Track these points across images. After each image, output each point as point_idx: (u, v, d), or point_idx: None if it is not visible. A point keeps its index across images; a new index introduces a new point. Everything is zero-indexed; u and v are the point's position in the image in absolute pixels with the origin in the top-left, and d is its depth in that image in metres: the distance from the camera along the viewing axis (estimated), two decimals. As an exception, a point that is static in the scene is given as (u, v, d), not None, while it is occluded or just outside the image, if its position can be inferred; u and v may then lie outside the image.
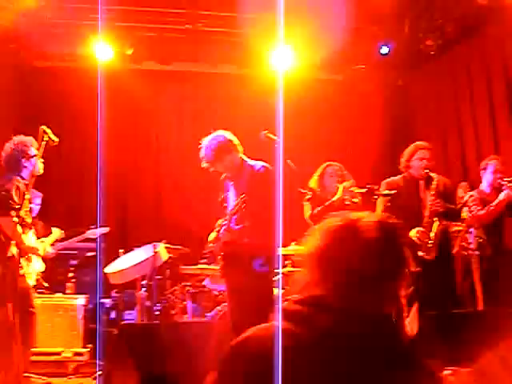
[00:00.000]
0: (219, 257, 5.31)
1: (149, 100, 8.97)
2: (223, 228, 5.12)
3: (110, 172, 8.70)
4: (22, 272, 4.64)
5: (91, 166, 7.69)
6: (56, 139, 4.89)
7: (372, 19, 8.13)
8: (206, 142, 5.24)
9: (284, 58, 8.30)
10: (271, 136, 5.13)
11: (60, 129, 8.18)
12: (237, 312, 5.02)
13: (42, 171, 5.40)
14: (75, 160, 8.63)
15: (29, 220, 4.97)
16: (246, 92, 8.71)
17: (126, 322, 6.92)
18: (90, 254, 7.42)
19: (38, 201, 7.16)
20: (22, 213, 4.19)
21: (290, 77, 8.13)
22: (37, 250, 5.19)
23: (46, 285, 5.74)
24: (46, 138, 4.77)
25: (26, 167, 5.29)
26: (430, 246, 5.52)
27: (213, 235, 5.37)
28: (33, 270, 5.19)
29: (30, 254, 5.08)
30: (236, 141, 5.28)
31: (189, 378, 3.50)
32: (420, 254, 5.53)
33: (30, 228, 4.55)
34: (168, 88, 9.17)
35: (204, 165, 5.27)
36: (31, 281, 5.19)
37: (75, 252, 7.34)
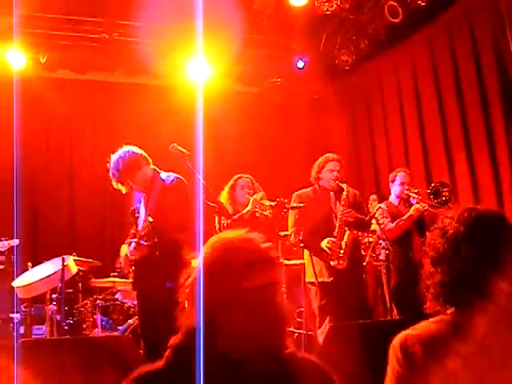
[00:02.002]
0: (130, 271, 5.22)
1: (63, 109, 8.78)
2: (132, 246, 5.03)
3: (22, 182, 8.47)
4: None
5: (2, 177, 7.48)
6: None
7: (288, 33, 8.25)
8: (112, 162, 5.10)
9: (201, 69, 8.30)
10: (181, 149, 5.09)
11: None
12: (146, 326, 4.97)
13: None
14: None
15: None
16: (163, 103, 8.65)
17: (27, 338, 6.70)
18: (-2, 267, 7.20)
19: None
20: None
21: (207, 88, 8.14)
22: None
23: None
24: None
25: None
26: (342, 255, 5.59)
27: (124, 248, 5.27)
28: None
29: None
30: (144, 154, 5.19)
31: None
32: (332, 263, 5.60)
33: None
34: (83, 97, 9.00)
35: (115, 185, 5.15)
36: None
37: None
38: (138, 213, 5.22)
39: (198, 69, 8.29)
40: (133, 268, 5.18)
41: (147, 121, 8.61)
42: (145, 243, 4.91)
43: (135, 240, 4.95)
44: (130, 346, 3.82)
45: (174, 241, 4.74)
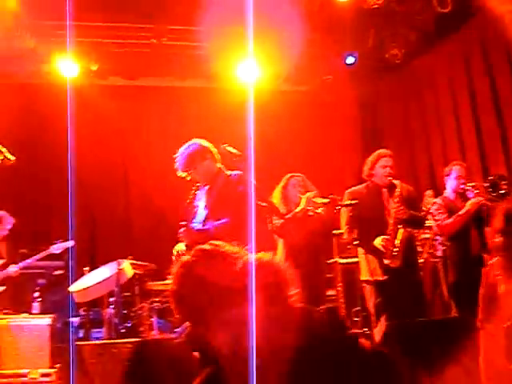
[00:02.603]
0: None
1: (116, 116, 8.92)
2: (183, 229, 5.08)
3: (78, 189, 8.63)
4: None
5: (58, 184, 7.63)
6: (12, 158, 4.82)
7: (336, 30, 8.17)
8: (181, 150, 5.24)
9: (250, 70, 8.30)
10: (231, 149, 5.11)
11: (26, 147, 8.23)
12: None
13: None
14: (42, 178, 8.53)
15: None
16: (214, 106, 8.69)
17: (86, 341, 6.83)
18: (57, 272, 7.35)
19: (9, 226, 7.11)
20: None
21: (256, 89, 8.13)
22: None
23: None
24: (0, 157, 4.70)
25: None
26: (396, 253, 5.50)
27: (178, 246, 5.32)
28: None
29: None
30: (213, 148, 5.26)
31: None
32: (386, 261, 5.52)
33: None
34: (134, 103, 9.12)
35: (179, 173, 5.25)
36: None
37: (42, 271, 7.25)
38: (196, 206, 5.27)
39: (248, 70, 8.28)
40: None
41: (199, 123, 8.66)
42: (197, 228, 4.96)
43: (185, 223, 5.00)
44: (183, 348, 3.83)
45: (225, 232, 4.74)
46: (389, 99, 8.99)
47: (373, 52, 8.50)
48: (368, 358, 1.78)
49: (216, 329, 1.79)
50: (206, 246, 1.94)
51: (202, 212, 5.19)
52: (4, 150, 4.74)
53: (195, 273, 1.84)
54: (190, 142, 5.30)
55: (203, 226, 5.06)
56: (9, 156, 4.79)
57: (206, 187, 5.30)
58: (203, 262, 1.87)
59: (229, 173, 5.20)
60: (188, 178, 5.31)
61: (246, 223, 4.92)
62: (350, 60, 8.62)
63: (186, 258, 1.94)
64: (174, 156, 5.31)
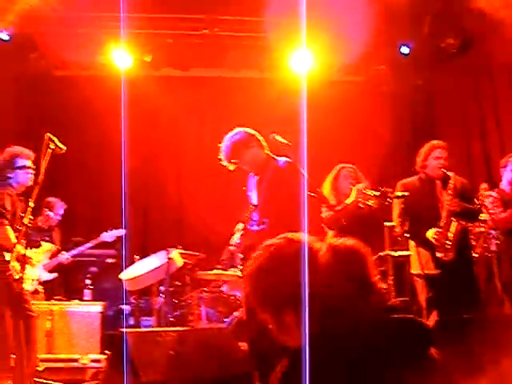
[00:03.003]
0: (239, 260, 5.27)
1: (168, 106, 8.98)
2: (241, 231, 5.08)
3: (131, 178, 8.72)
4: (17, 277, 4.63)
5: (111, 173, 7.73)
6: (63, 147, 4.88)
7: (391, 19, 8.01)
8: (225, 139, 5.21)
9: (304, 60, 8.23)
10: (280, 139, 5.06)
11: (80, 137, 8.37)
12: (250, 319, 4.97)
13: (30, 182, 5.38)
14: (95, 167, 8.65)
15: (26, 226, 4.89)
16: (266, 96, 8.64)
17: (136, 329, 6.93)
18: (109, 260, 7.45)
19: (61, 211, 7.25)
20: (17, 221, 4.18)
21: (309, 79, 8.05)
22: (28, 258, 5.17)
23: (41, 290, 5.74)
24: (52, 146, 4.76)
25: (11, 178, 5.32)
26: (448, 246, 5.39)
27: (235, 236, 5.32)
28: (30, 275, 5.21)
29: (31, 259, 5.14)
30: (259, 136, 5.20)
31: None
32: (438, 255, 5.41)
33: (28, 236, 4.44)
34: (187, 94, 9.14)
35: (224, 163, 5.21)
36: (28, 286, 5.22)
37: (94, 259, 7.37)
38: (250, 199, 5.24)
39: (302, 60, 8.21)
40: (241, 256, 5.20)
41: (251, 114, 8.61)
42: (255, 228, 4.93)
43: (242, 226, 4.99)
44: (229, 338, 3.82)
45: (282, 226, 4.69)
46: (444, 89, 8.78)
47: (428, 41, 8.33)
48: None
49: (289, 318, 1.76)
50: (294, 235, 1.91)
51: (255, 208, 5.15)
52: (55, 139, 4.80)
53: (284, 258, 1.81)
54: (234, 131, 5.25)
55: (258, 225, 5.02)
56: (60, 145, 4.85)
57: (256, 178, 5.25)
58: (291, 249, 1.84)
59: (278, 159, 5.13)
60: (231, 168, 5.26)
61: (297, 215, 4.91)
62: (405, 50, 8.46)
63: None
64: (219, 145, 5.27)
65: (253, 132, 5.22)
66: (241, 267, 5.31)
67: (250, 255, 5.01)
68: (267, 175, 5.08)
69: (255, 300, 1.84)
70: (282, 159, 5.06)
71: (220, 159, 5.23)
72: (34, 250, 5.29)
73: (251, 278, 1.85)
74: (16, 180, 5.33)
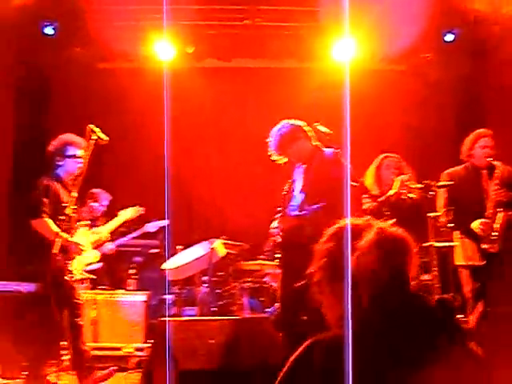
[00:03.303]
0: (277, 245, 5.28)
1: (211, 97, 9.01)
2: (279, 214, 5.08)
3: (175, 170, 8.79)
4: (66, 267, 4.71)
5: (155, 165, 7.78)
6: (105, 137, 4.93)
7: (436, 6, 7.88)
8: (272, 133, 5.22)
9: (346, 50, 8.15)
10: (323, 129, 5.04)
11: (124, 129, 8.46)
12: (287, 308, 4.97)
13: (78, 171, 5.43)
14: (139, 158, 8.72)
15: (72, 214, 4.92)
16: (308, 86, 8.59)
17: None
18: (153, 250, 7.52)
19: (106, 202, 7.34)
20: (61, 211, 4.23)
21: (351, 69, 7.97)
22: (78, 245, 5.26)
23: (92, 277, 5.80)
24: (94, 137, 4.82)
25: (60, 166, 5.40)
26: (494, 238, 5.29)
27: (274, 223, 5.34)
28: (79, 264, 5.29)
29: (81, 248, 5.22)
30: (306, 127, 5.20)
31: (228, 373, 3.46)
32: (484, 246, 5.32)
33: (72, 226, 4.49)
34: (230, 85, 9.15)
35: (274, 157, 5.22)
36: (77, 274, 5.31)
37: (139, 249, 7.45)
38: (294, 187, 5.24)
39: (344, 49, 8.13)
40: (279, 241, 5.20)
41: (294, 104, 8.59)
42: (296, 213, 4.93)
43: (281, 209, 4.99)
44: (270, 327, 3.82)
45: (325, 214, 4.67)
46: (489, 77, 8.58)
47: (474, 28, 8.15)
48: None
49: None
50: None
51: (298, 195, 5.15)
52: (97, 130, 4.85)
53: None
54: (280, 124, 5.26)
55: (300, 211, 5.02)
56: (102, 136, 4.91)
57: (303, 166, 5.25)
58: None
59: (325, 150, 5.12)
60: (282, 162, 5.27)
61: (341, 205, 4.87)
62: (450, 37, 8.31)
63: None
64: (267, 140, 5.28)
65: (299, 123, 5.22)
66: (279, 255, 5.32)
67: (287, 239, 5.05)
68: (313, 165, 5.08)
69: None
70: (329, 150, 5.05)
71: (269, 154, 5.25)
72: (80, 239, 5.37)
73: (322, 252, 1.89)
74: (65, 169, 5.41)
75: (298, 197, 5.10)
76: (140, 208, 5.71)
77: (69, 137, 5.41)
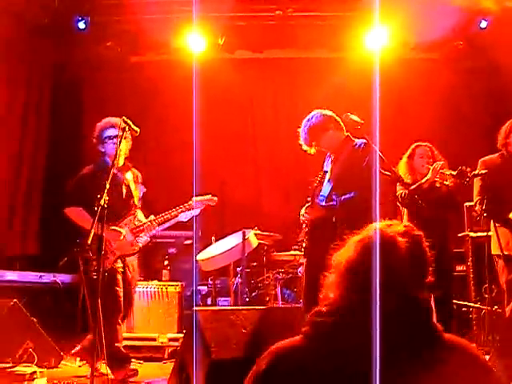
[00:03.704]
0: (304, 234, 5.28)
1: (243, 88, 9.03)
2: (308, 204, 5.07)
3: (208, 161, 8.82)
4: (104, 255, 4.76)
5: (188, 156, 7.81)
6: (137, 129, 4.97)
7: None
8: (303, 123, 5.22)
9: (378, 39, 8.08)
10: (354, 118, 5.01)
11: (158, 121, 8.52)
12: (309, 301, 4.97)
13: (121, 159, 5.49)
14: (173, 151, 8.77)
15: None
16: (341, 75, 8.54)
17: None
18: (187, 242, 7.57)
19: (140, 194, 7.40)
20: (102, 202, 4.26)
21: (385, 58, 7.90)
22: (116, 234, 5.31)
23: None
24: (127, 129, 4.85)
25: (104, 153, 5.47)
26: (531, 228, 5.21)
27: (303, 210, 5.33)
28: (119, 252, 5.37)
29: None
30: (335, 117, 5.19)
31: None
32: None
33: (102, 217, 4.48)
34: (261, 76, 9.16)
35: (304, 147, 5.23)
36: (117, 263, 5.38)
37: (173, 240, 7.49)
38: (324, 176, 5.23)
39: (376, 39, 8.07)
40: (306, 230, 5.21)
41: (326, 94, 8.54)
42: (322, 203, 4.93)
43: (310, 199, 4.99)
44: (301, 316, 3.82)
45: (354, 207, 4.66)
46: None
47: (507, 15, 8.01)
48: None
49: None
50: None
51: (327, 185, 5.13)
52: (130, 121, 4.89)
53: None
54: (311, 114, 5.25)
55: (327, 201, 5.01)
56: (134, 128, 4.94)
57: (332, 156, 5.24)
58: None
59: (355, 140, 5.10)
60: (313, 152, 5.26)
61: (371, 196, 4.87)
62: (484, 24, 8.17)
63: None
64: (298, 130, 5.28)
65: (329, 113, 5.20)
66: (305, 242, 5.31)
67: (313, 228, 5.03)
68: (343, 155, 5.07)
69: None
70: (360, 140, 5.03)
71: (300, 144, 5.25)
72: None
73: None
74: (107, 153, 5.50)
75: (326, 187, 5.08)
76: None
77: (104, 121, 5.50)
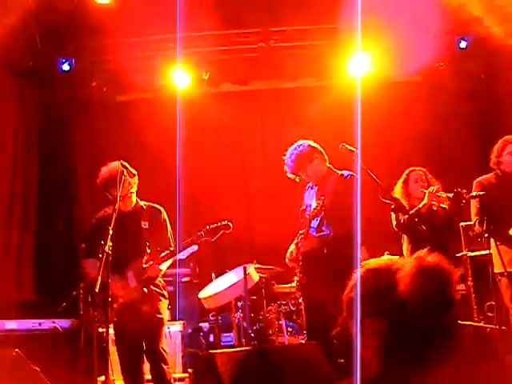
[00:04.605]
0: (297, 268, 5.31)
1: (230, 121, 9.05)
2: (301, 236, 5.11)
3: (199, 198, 8.81)
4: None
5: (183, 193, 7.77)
6: (135, 172, 4.95)
7: (446, 14, 7.87)
8: (289, 151, 5.29)
9: (361, 65, 8.16)
10: (350, 148, 5.06)
11: (146, 160, 8.47)
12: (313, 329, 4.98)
13: (133, 198, 5.36)
14: (160, 191, 8.67)
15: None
16: (326, 103, 8.60)
17: (222, 346, 6.96)
18: (184, 279, 7.51)
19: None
20: (106, 248, 4.20)
21: (368, 83, 7.96)
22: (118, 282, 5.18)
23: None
24: (125, 173, 4.82)
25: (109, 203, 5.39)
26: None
27: (292, 247, 5.37)
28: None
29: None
30: (320, 148, 5.27)
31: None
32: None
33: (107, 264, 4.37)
34: (247, 108, 9.19)
35: (289, 175, 5.32)
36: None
37: (170, 278, 7.42)
38: (308, 210, 5.27)
39: (359, 64, 8.15)
40: (300, 264, 5.22)
41: (313, 122, 8.60)
42: (315, 234, 4.96)
43: (304, 230, 5.01)
44: (316, 352, 3.79)
45: (345, 236, 4.66)
46: (507, 80, 8.52)
47: (486, 33, 8.13)
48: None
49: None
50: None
51: (314, 219, 5.18)
52: (126, 164, 4.88)
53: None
54: (297, 144, 5.33)
55: (318, 232, 5.05)
56: (132, 171, 4.94)
57: (315, 188, 5.30)
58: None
59: (340, 172, 5.18)
60: (298, 180, 5.35)
61: (364, 224, 4.91)
62: (463, 44, 8.29)
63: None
64: (283, 158, 5.36)
65: (315, 145, 5.30)
66: (299, 276, 5.33)
67: (308, 261, 5.06)
68: (328, 186, 5.13)
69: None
70: (346, 172, 5.11)
71: (285, 171, 5.33)
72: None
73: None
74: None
75: (314, 220, 5.13)
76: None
77: (102, 174, 5.35)
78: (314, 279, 5.11)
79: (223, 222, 5.43)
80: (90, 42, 8.02)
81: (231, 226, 5.47)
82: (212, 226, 5.38)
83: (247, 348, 5.91)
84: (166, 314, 5.50)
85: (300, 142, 5.39)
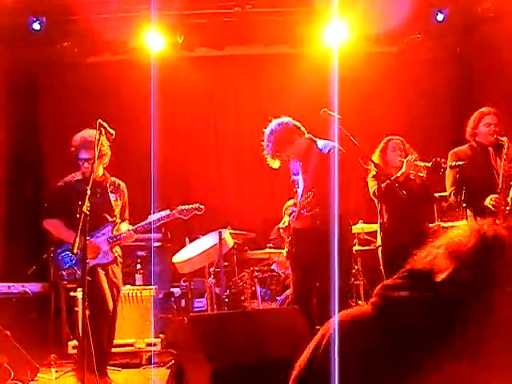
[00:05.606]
0: (287, 241, 5.31)
1: (204, 86, 8.94)
2: (293, 216, 5.11)
3: (171, 162, 8.70)
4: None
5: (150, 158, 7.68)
6: (112, 132, 4.86)
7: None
8: (266, 136, 5.19)
9: (338, 33, 8.09)
10: (332, 113, 5.02)
11: (118, 123, 8.30)
12: (298, 299, 5.03)
13: (100, 169, 5.40)
14: (133, 153, 8.55)
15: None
16: (302, 71, 8.53)
17: (195, 311, 6.95)
18: (156, 244, 7.45)
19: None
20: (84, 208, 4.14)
21: (345, 52, 7.92)
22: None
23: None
24: (103, 132, 4.74)
25: (80, 165, 5.37)
26: (508, 211, 5.30)
27: (285, 219, 5.35)
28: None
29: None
30: (297, 124, 5.21)
31: (263, 368, 3.40)
32: (498, 221, 5.30)
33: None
34: (222, 73, 9.07)
35: (269, 161, 5.24)
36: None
37: (142, 243, 7.36)
38: (297, 184, 5.26)
39: (335, 33, 8.08)
40: (290, 238, 5.24)
41: (288, 89, 8.53)
42: (306, 213, 4.94)
43: (296, 209, 5.01)
44: (299, 317, 3.78)
45: (335, 210, 4.69)
46: (482, 54, 8.56)
47: (464, 6, 8.16)
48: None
49: None
50: None
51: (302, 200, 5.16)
52: (105, 124, 4.78)
53: None
54: (272, 126, 5.21)
55: (308, 211, 5.03)
56: (110, 130, 4.84)
57: (300, 163, 5.25)
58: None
59: (321, 145, 5.13)
60: (276, 166, 5.27)
61: (348, 195, 4.95)
62: (440, 17, 8.28)
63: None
64: (262, 143, 5.25)
65: (291, 123, 5.19)
66: (287, 249, 5.36)
67: (301, 235, 5.08)
68: (311, 163, 5.10)
69: None
70: (328, 145, 5.06)
71: (265, 158, 5.24)
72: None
73: None
74: (83, 167, 5.41)
75: (305, 196, 5.11)
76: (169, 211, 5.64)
77: (78, 138, 5.35)
78: (306, 249, 5.13)
79: (195, 205, 5.65)
80: (62, 1, 7.78)
81: (203, 208, 5.68)
82: (184, 208, 5.59)
83: (231, 311, 5.91)
84: (121, 280, 5.75)
85: (274, 123, 5.25)
